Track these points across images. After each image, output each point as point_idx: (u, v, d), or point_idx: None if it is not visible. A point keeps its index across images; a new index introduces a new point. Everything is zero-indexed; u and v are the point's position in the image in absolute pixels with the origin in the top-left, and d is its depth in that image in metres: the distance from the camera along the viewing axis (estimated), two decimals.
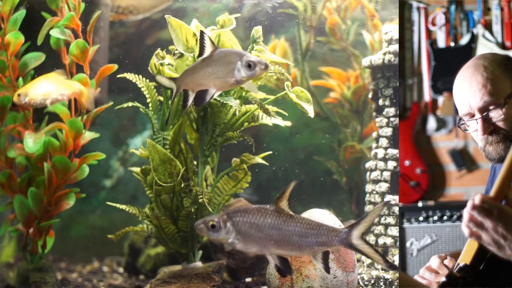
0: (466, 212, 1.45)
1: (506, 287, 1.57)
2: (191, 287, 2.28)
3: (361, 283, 2.48)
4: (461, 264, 1.58)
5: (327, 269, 1.83)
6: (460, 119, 1.78)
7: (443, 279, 1.58)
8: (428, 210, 2.90)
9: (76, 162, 2.48)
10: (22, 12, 2.45)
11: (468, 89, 1.72)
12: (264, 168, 2.46)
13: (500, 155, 1.72)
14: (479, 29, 3.00)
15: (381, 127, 2.70)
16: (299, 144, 3.63)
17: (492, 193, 1.49)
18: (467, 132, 1.80)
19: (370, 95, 2.77)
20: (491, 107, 1.70)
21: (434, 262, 1.81)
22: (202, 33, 2.03)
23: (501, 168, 1.52)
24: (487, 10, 3.02)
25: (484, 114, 1.70)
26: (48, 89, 2.24)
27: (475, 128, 1.75)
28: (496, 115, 1.70)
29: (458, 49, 3.04)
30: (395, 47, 2.66)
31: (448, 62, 3.06)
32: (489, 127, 1.72)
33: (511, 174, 1.49)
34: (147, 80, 2.40)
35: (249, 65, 1.93)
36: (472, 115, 1.73)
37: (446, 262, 1.80)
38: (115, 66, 2.41)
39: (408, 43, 3.08)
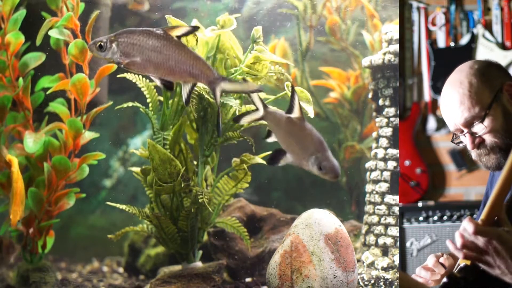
0: (459, 237, 1.49)
1: (507, 287, 1.57)
2: (191, 287, 2.28)
3: (361, 283, 2.48)
4: (462, 265, 1.58)
5: (187, 102, 1.93)
6: (454, 134, 1.79)
7: (444, 279, 1.58)
8: (428, 210, 2.89)
9: (76, 162, 2.48)
10: (22, 12, 2.45)
11: (449, 107, 1.74)
12: (264, 168, 2.45)
13: (494, 165, 1.73)
14: (479, 29, 2.99)
15: (381, 127, 2.70)
16: None
17: (483, 215, 1.51)
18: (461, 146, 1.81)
19: (370, 95, 2.77)
20: (475, 122, 1.70)
21: (430, 260, 1.83)
22: (293, 89, 1.91)
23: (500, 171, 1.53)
24: (487, 10, 3.01)
25: (469, 129, 1.71)
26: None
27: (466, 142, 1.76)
28: (479, 129, 1.70)
29: (458, 49, 3.03)
30: (395, 47, 2.66)
31: (448, 62, 3.05)
32: (477, 140, 1.72)
33: (502, 195, 1.50)
34: (147, 80, 2.40)
35: (320, 168, 1.83)
36: (461, 131, 1.75)
37: (442, 260, 1.81)
38: (115, 66, 2.40)
39: (408, 43, 3.08)
